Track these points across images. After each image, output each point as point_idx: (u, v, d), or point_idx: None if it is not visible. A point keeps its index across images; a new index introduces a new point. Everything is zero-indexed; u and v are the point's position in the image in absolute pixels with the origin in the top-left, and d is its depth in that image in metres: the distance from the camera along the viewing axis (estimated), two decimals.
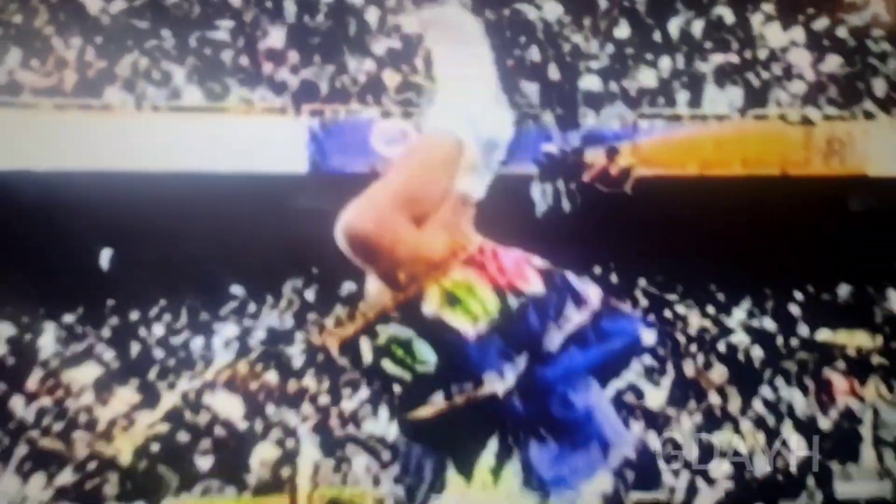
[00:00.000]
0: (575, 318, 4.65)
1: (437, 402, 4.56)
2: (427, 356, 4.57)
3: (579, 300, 4.66)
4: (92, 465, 15.67)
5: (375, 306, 4.58)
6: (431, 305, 4.52)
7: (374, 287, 4.66)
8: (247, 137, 17.46)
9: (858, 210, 18.57)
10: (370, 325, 4.57)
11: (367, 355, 4.58)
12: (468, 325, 4.49)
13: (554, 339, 4.61)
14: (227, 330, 18.02)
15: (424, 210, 4.57)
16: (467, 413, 4.56)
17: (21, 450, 15.73)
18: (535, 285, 4.60)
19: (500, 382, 4.52)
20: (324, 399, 16.98)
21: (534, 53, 18.55)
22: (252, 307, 18.42)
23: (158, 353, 17.66)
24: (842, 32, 19.23)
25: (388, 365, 4.59)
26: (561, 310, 4.63)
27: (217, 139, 17.49)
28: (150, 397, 16.84)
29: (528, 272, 4.63)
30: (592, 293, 4.67)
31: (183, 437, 16.23)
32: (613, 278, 18.23)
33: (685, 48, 19.62)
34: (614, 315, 4.73)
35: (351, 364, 4.61)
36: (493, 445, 4.58)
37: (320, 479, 16.19)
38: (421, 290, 4.54)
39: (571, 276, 4.66)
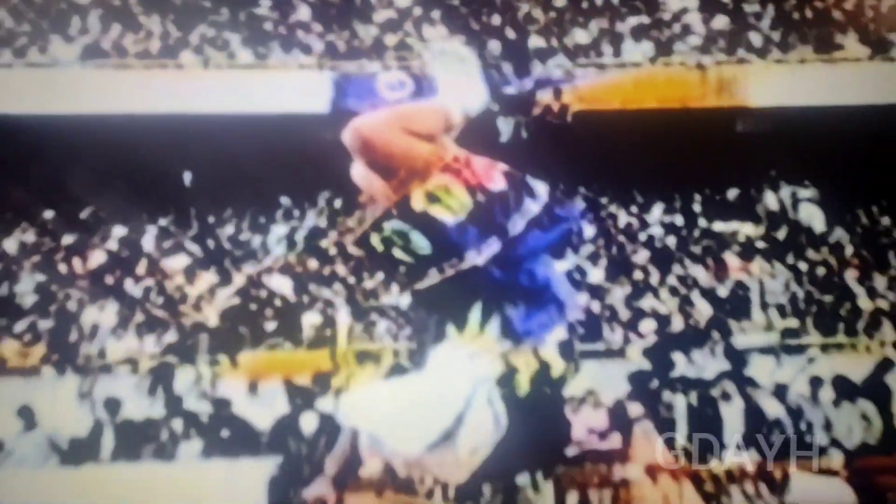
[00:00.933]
0: (531, 208, 4.97)
1: (433, 276, 4.97)
2: (421, 242, 4.89)
3: (534, 194, 5.01)
4: (188, 328, 16.26)
5: (378, 210, 4.92)
6: (419, 203, 4.86)
7: (367, 181, 5.00)
8: (285, 87, 17.72)
9: (743, 131, 18.74)
10: (377, 223, 4.92)
11: (378, 246, 4.96)
12: (449, 216, 4.82)
13: (517, 225, 4.93)
14: (278, 230, 18.41)
15: (418, 130, 4.94)
16: (457, 283, 4.92)
17: (137, 317, 16.36)
18: (499, 184, 4.93)
19: (478, 257, 4.87)
20: (351, 280, 17.31)
21: (495, 19, 18.74)
22: (296, 213, 18.71)
23: (229, 247, 18.15)
24: None
25: (394, 251, 4.96)
26: (520, 202, 4.90)
27: (262, 89, 17.74)
28: (225, 279, 17.34)
29: (493, 174, 4.96)
30: (542, 189, 5.04)
31: (252, 307, 16.76)
32: (560, 187, 17.67)
33: (608, 13, 19.39)
34: (561, 205, 5.07)
35: (365, 253, 5.04)
36: (478, 307, 4.98)
37: (353, 338, 16.24)
38: (409, 192, 4.84)
39: (527, 177, 4.99)
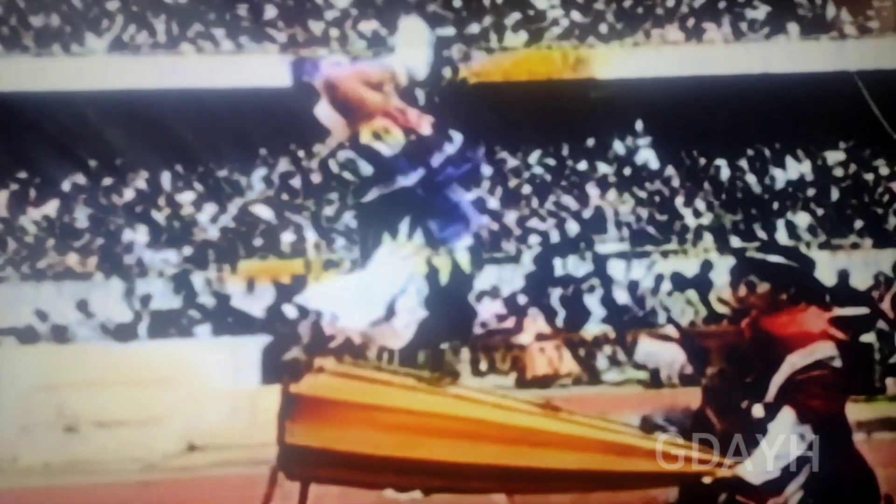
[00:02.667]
0: (448, 149, 5.12)
1: (373, 193, 5.03)
2: (364, 169, 4.99)
3: (451, 140, 5.17)
4: (198, 245, 16.71)
5: (334, 142, 4.99)
6: (366, 138, 4.94)
7: (330, 118, 5.00)
8: (257, 68, 17.64)
9: (595, 97, 18.75)
10: (334, 152, 5.09)
11: (334, 168, 5.29)
12: (387, 150, 4.90)
13: (437, 160, 5.05)
14: (259, 172, 18.45)
15: (372, 81, 5.09)
16: (391, 202, 4.97)
17: (161, 236, 16.73)
18: (426, 131, 5.09)
19: (406, 181, 4.97)
20: (314, 207, 17.52)
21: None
22: (271, 160, 18.59)
23: (225, 185, 18.20)
24: None
25: (347, 175, 5.09)
26: (441, 144, 5.06)
27: (240, 70, 17.81)
28: (222, 208, 17.63)
29: (423, 123, 5.11)
30: (458, 137, 5.23)
31: (243, 228, 16.98)
32: (463, 136, 17.34)
33: (494, 12, 19.40)
34: (470, 150, 5.31)
35: (323, 173, 6.09)
36: (406, 220, 5.04)
37: (319, 250, 16.60)
38: (358, 130, 4.92)
39: (447, 127, 5.17)
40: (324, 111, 5.11)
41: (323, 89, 5.01)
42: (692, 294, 15.07)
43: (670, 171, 19.14)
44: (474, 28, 18.95)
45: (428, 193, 5.08)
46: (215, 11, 18.41)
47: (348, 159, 5.10)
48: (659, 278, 15.93)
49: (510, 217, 17.69)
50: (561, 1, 19.30)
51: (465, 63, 17.86)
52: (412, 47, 5.44)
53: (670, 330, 14.08)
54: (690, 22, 19.34)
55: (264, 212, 17.39)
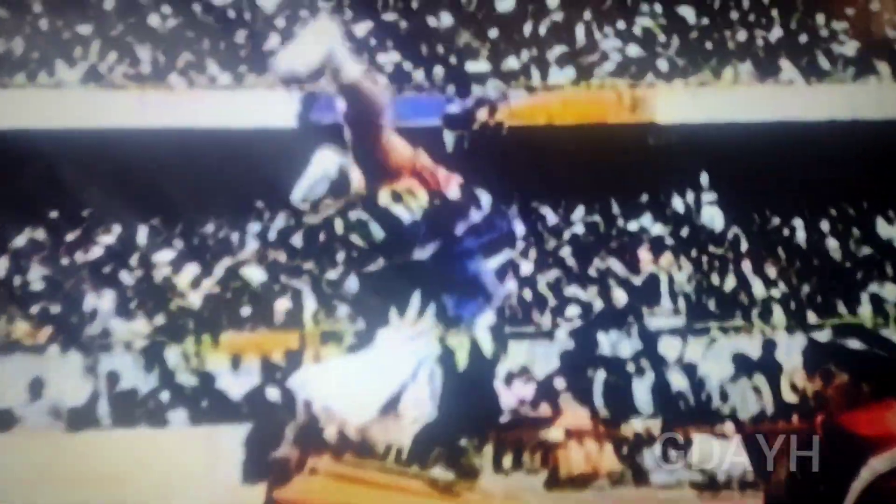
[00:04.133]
0: (474, 216, 5.25)
1: (380, 263, 5.35)
2: (377, 234, 5.22)
3: (479, 205, 5.32)
4: (175, 313, 16.29)
5: (344, 200, 5.12)
6: (384, 199, 5.13)
7: (341, 171, 5.12)
8: (257, 105, 17.59)
9: (653, 144, 18.69)
10: (344, 210, 5.24)
11: (339, 229, 6.02)
12: (407, 215, 5.10)
13: (459, 228, 5.24)
14: (253, 227, 18.26)
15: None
16: (400, 273, 5.22)
17: (129, 303, 16.34)
18: (454, 193, 5.23)
19: (422, 253, 5.23)
20: (315, 270, 16.84)
21: (439, 49, 18.78)
22: (267, 214, 18.38)
23: (211, 243, 17.81)
24: (637, 30, 19.48)
25: (354, 238, 5.45)
26: (467, 210, 5.19)
27: (238, 106, 17.70)
28: (206, 270, 17.18)
29: (451, 184, 5.22)
30: (486, 201, 5.31)
31: (229, 294, 16.71)
32: (496, 190, 16.64)
33: (536, 43, 19.33)
34: (499, 217, 5.26)
35: (326, 235, 5.65)
36: (417, 296, 5.25)
37: (318, 321, 16.19)
38: (378, 189, 5.03)
39: (477, 189, 5.24)
40: (329, 159, 5.17)
41: (347, 131, 4.90)
42: (758, 380, 15.02)
43: (737, 232, 19.02)
44: (513, 62, 18.91)
45: (443, 265, 5.23)
46: (209, 38, 18.35)
47: (359, 221, 5.17)
48: (719, 360, 15.96)
49: (545, 283, 17.48)
50: (615, 32, 19.40)
51: (501, 103, 15.90)
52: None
53: (730, 425, 13.90)
54: (766, 59, 19.27)
55: (256, 274, 17.16)
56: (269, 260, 17.38)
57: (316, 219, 6.63)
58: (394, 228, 5.26)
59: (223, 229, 18.18)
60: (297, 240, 17.47)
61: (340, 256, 16.59)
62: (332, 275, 16.80)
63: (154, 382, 14.25)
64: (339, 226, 5.95)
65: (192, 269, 17.17)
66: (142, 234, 17.66)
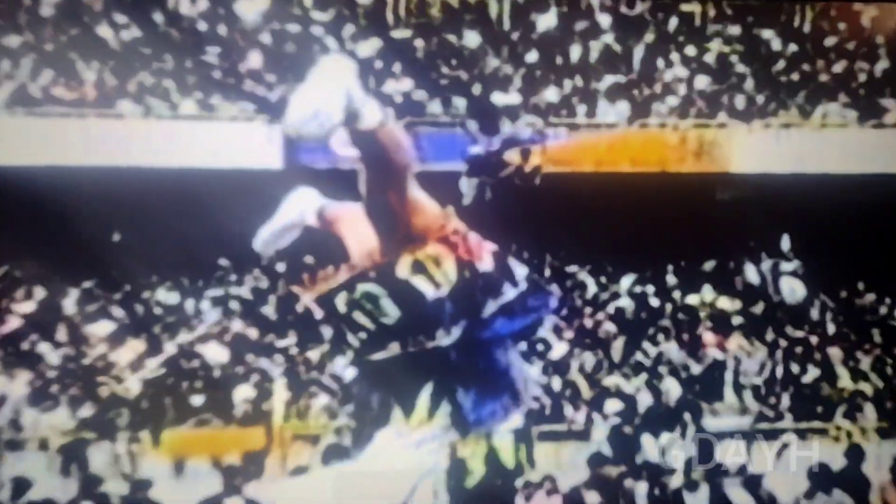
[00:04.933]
0: (507, 294, 4.88)
1: (392, 349, 4.83)
2: (391, 311, 4.77)
3: (514, 280, 4.93)
4: (107, 401, 15.67)
5: (357, 267, 4.79)
6: (403, 271, 4.74)
7: (356, 234, 4.91)
8: (232, 140, 17.29)
9: (723, 199, 18.52)
10: (351, 282, 4.79)
11: (341, 306, 4.83)
12: (431, 290, 4.72)
13: (488, 309, 4.86)
14: (212, 293, 17.80)
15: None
16: (413, 362, 4.83)
17: (49, 387, 15.66)
18: (486, 265, 4.84)
19: (446, 338, 4.77)
20: (293, 350, 16.73)
21: (462, 74, 18.31)
22: (234, 276, 18.04)
23: (159, 312, 17.46)
24: (709, 57, 19.13)
25: (357, 315, 4.82)
26: (499, 287, 4.84)
27: (208, 142, 17.28)
28: (153, 348, 16.64)
29: (483, 253, 4.88)
30: (522, 275, 4.95)
31: (179, 378, 16.16)
32: (526, 254, 17.32)
33: (583, 71, 19.07)
34: (536, 293, 4.96)
35: (325, 313, 4.88)
36: (428, 389, 4.86)
37: (289, 415, 15.88)
38: (397, 257, 4.74)
39: (512, 261, 4.90)
40: (306, 201, 5.46)
41: (362, 182, 4.74)
42: (842, 497, 13.40)
43: (823, 310, 18.73)
44: (552, 94, 18.58)
45: (464, 353, 4.84)
46: (173, 55, 17.91)
47: (368, 295, 4.78)
48: (793, 471, 14.33)
49: (580, 370, 17.09)
50: (680, 58, 19.12)
51: (538, 145, 17.37)
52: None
53: None
54: (867, 96, 18.99)
55: (216, 353, 16.52)
56: (233, 335, 16.95)
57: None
58: (413, 307, 4.81)
59: (177, 295, 17.82)
60: (269, 310, 17.34)
61: (328, 333, 15.49)
62: (312, 354, 16.72)
63: (73, 492, 13.09)
64: (340, 301, 5.22)
65: (133, 347, 16.59)
66: (71, 301, 17.20)
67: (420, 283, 4.82)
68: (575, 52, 19.03)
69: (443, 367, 4.91)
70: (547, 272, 18.35)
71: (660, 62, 19.26)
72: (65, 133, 16.99)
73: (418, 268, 4.81)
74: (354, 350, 5.41)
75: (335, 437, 14.63)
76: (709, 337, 18.09)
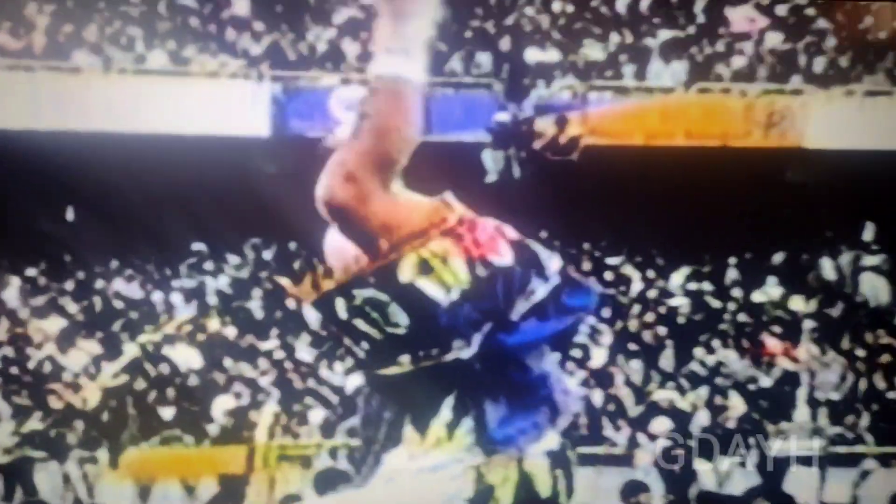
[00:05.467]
0: (538, 291, 4.33)
1: (404, 363, 4.36)
2: (400, 320, 4.33)
3: (543, 274, 4.36)
4: (57, 414, 15.54)
5: (351, 270, 4.27)
6: (407, 273, 4.28)
7: (341, 250, 4.35)
8: (210, 101, 17.19)
9: (795, 181, 18.22)
10: (346, 287, 4.29)
11: (341, 313, 4.31)
12: (441, 292, 4.27)
13: (517, 310, 4.32)
14: (187, 284, 17.79)
15: (396, 162, 4.19)
16: (430, 374, 4.37)
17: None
18: (505, 258, 4.32)
19: (466, 349, 4.28)
20: (280, 354, 16.62)
21: (488, 25, 18.07)
22: (211, 265, 17.98)
23: (120, 306, 17.32)
24: (781, 10, 18.80)
25: (360, 324, 4.34)
26: (526, 283, 4.33)
27: (181, 102, 17.15)
28: (111, 349, 16.52)
29: (500, 245, 4.34)
30: (555, 266, 4.33)
31: (144, 387, 15.97)
32: (559, 243, 17.21)
33: (633, 23, 19.06)
34: (573, 289, 4.33)
35: (324, 319, 4.29)
36: (449, 403, 4.36)
37: (277, 432, 15.84)
38: (398, 257, 4.27)
39: (538, 249, 4.34)
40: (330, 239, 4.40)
41: (326, 213, 4.04)
42: None
43: None
44: (595, 51, 18.45)
45: (491, 363, 4.27)
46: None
47: (371, 302, 4.21)
48: (874, 502, 15.64)
49: (625, 381, 17.09)
50: (750, 10, 18.83)
51: (575, 111, 17.17)
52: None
53: None
54: None
55: (188, 356, 16.35)
56: (209, 335, 16.85)
57: None
58: (424, 314, 4.13)
59: (141, 286, 17.68)
60: (255, 305, 16.98)
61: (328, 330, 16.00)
62: (305, 353, 16.62)
63: None
64: (340, 308, 3.85)
65: (88, 348, 16.51)
66: (12, 292, 17.22)
67: (429, 285, 4.31)
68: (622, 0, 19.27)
69: (464, 379, 4.40)
70: (585, 265, 18.27)
71: (727, 13, 19.24)
72: (8, 89, 16.95)
73: (425, 268, 4.32)
74: (360, 363, 4.61)
75: (331, 459, 14.55)
76: (775, 344, 18.17)
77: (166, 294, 17.56)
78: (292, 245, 16.36)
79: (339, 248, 4.40)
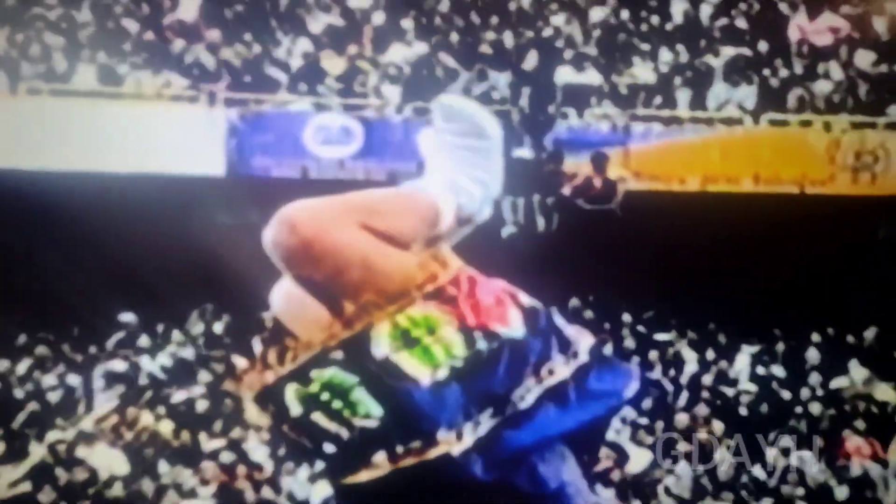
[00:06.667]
0: (558, 370, 3.91)
1: (379, 464, 3.95)
2: (371, 409, 3.96)
3: (566, 349, 4.00)
4: None
5: (309, 344, 3.96)
6: (382, 345, 3.93)
7: (296, 307, 4.12)
8: (148, 131, 16.22)
9: (890, 237, 17.88)
10: (302, 369, 3.91)
11: (294, 407, 3.94)
12: (425, 371, 3.91)
13: (528, 396, 3.93)
14: (112, 367, 16.53)
15: (386, 230, 3.97)
16: (413, 476, 3.92)
17: None
18: (514, 327, 3.95)
19: (456, 443, 3.86)
20: (229, 456, 15.53)
21: (507, 38, 17.52)
22: (145, 340, 16.99)
23: (19, 394, 16.22)
24: (879, 24, 17.96)
25: (320, 419, 3.94)
26: (542, 360, 3.93)
27: (110, 131, 16.19)
28: (13, 450, 15.52)
29: (509, 312, 3.99)
30: (582, 341, 3.94)
31: (52, 499, 14.79)
32: (592, 313, 16.82)
33: (687, 37, 18.40)
34: (605, 370, 3.93)
35: (271, 418, 3.90)
36: None
37: None
38: (369, 324, 3.95)
39: (559, 319, 3.95)
40: (285, 295, 4.18)
41: (286, 252, 3.86)
42: None
43: None
44: (640, 71, 17.77)
45: (492, 469, 3.93)
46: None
47: (333, 385, 3.95)
48: None
49: (673, 489, 16.26)
50: (835, 22, 18.28)
51: (618, 147, 16.65)
52: (462, 150, 4.17)
53: None
54: None
55: (110, 460, 15.19)
56: (138, 431, 15.69)
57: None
58: (402, 399, 3.88)
59: (51, 367, 16.41)
60: (196, 391, 16.15)
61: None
62: (258, 455, 15.80)
63: None
64: (291, 396, 3.60)
65: None
66: None
67: (409, 362, 3.86)
68: (678, 7, 18.37)
69: (456, 485, 3.92)
70: (626, 340, 17.46)
71: (807, 28, 18.59)
72: None
73: (405, 339, 3.90)
74: (323, 470, 4.07)
75: None
76: (859, 442, 17.21)
77: (85, 379, 16.45)
78: (251, 315, 14.77)
79: (293, 307, 4.15)
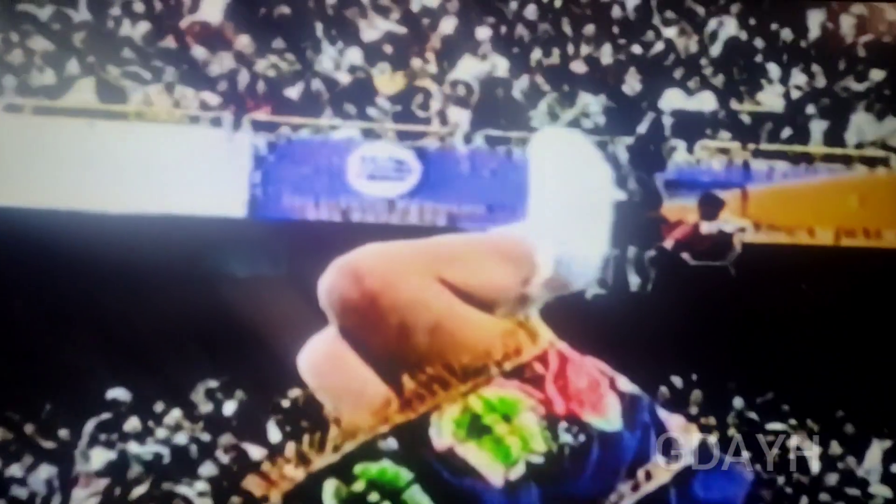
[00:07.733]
0: (657, 474, 4.08)
1: None
2: None
3: (668, 447, 4.13)
4: None
5: (355, 430, 4.00)
6: (446, 434, 3.98)
7: (343, 381, 4.10)
8: (155, 160, 15.05)
9: None
10: (344, 462, 3.94)
11: (329, 496, 3.92)
12: (497, 468, 3.97)
13: (623, 499, 4.06)
14: (95, 457, 15.06)
15: (467, 285, 4.03)
16: None
17: None
18: (609, 418, 4.09)
19: None
20: None
21: (605, 54, 16.56)
22: (136, 423, 15.33)
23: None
24: None
25: None
26: (639, 460, 4.09)
27: (108, 160, 15.04)
28: None
29: (604, 399, 4.11)
30: (687, 436, 4.13)
31: None
32: (696, 395, 15.66)
33: (829, 49, 17.33)
34: (713, 472, 4.08)
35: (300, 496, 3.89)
36: None
37: None
38: (431, 407, 4.02)
39: (662, 412, 4.13)
40: (325, 366, 4.24)
41: (346, 308, 4.00)
42: None
43: None
44: (766, 96, 16.95)
45: None
46: None
47: (382, 482, 3.98)
48: None
49: None
50: None
51: (734, 190, 16.06)
52: (568, 192, 4.40)
53: None
54: None
55: None
56: None
57: None
58: (465, 499, 3.94)
59: (16, 456, 15.13)
60: (201, 487, 14.93)
61: None
62: None
63: None
64: (330, 495, 3.65)
65: None
66: None
67: (478, 456, 3.93)
68: (815, 18, 17.21)
69: None
70: (737, 430, 15.94)
71: None
72: None
73: (474, 427, 3.96)
74: None
75: None
76: None
77: (62, 470, 15.11)
78: (270, 393, 13.75)
79: (336, 378, 4.11)
